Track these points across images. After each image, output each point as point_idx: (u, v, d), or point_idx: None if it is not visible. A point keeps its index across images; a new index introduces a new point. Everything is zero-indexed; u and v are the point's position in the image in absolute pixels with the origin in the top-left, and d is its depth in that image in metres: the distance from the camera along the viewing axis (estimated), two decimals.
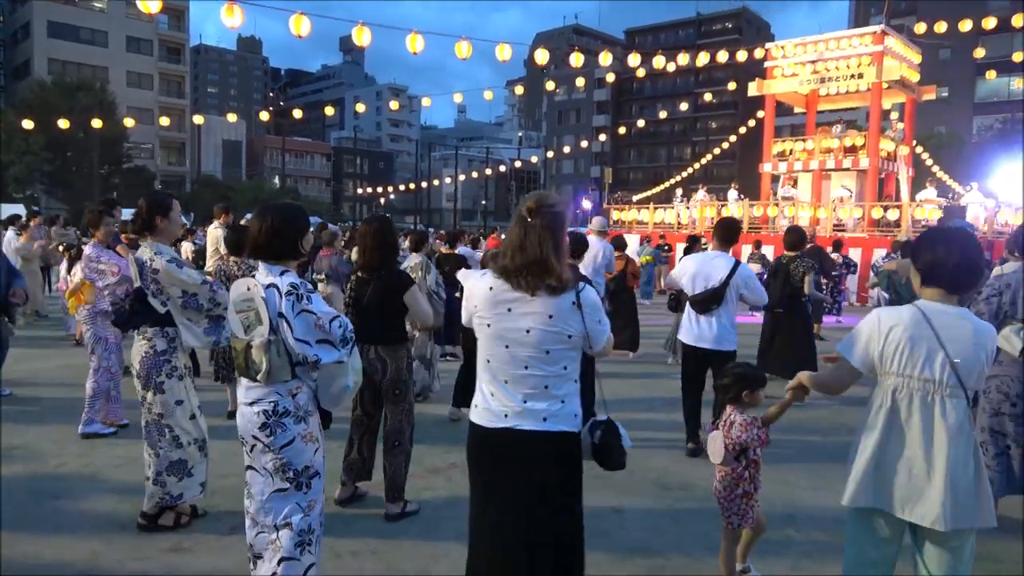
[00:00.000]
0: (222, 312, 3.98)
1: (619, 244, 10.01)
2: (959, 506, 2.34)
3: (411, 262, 6.92)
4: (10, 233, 13.54)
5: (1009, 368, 4.19)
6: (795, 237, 7.25)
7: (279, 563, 2.84)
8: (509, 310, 2.33)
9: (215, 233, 9.31)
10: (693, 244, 9.91)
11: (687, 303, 5.50)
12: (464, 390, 6.45)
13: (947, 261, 2.43)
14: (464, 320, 2.53)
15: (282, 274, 2.84)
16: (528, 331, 2.31)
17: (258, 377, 2.79)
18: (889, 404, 2.48)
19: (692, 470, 5.09)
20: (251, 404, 2.86)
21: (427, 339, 6.94)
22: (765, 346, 7.69)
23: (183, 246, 11.83)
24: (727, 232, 5.64)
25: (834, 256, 13.03)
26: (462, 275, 2.82)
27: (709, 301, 5.27)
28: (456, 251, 9.34)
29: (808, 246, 11.72)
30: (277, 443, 2.82)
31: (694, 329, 5.41)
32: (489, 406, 2.41)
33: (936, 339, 2.38)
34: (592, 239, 7.73)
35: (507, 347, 2.35)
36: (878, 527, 2.51)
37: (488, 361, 2.41)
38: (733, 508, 3.25)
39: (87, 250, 5.53)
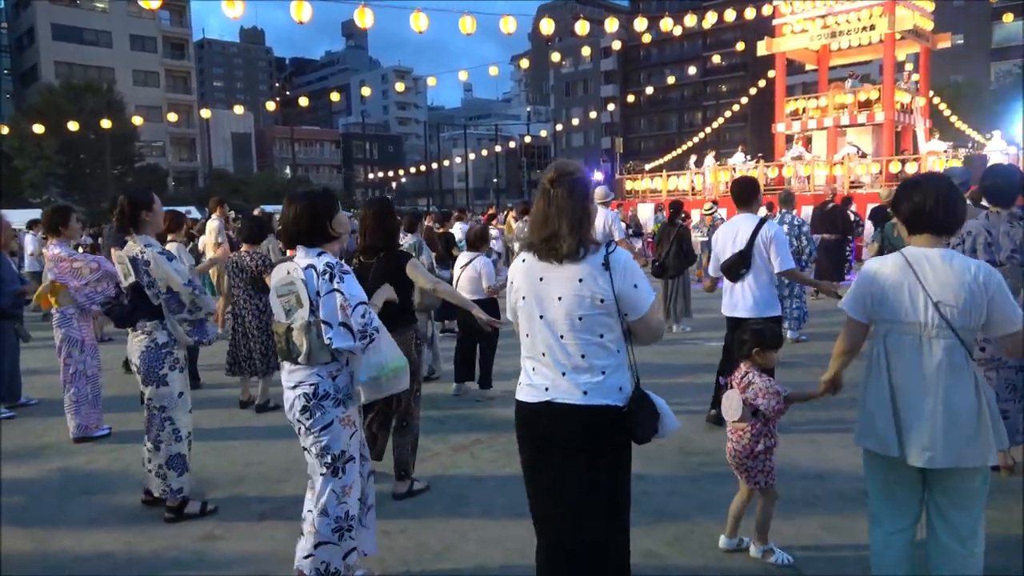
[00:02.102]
0: (202, 316, 4.03)
1: None
2: (952, 445, 2.38)
3: (404, 243, 6.96)
4: (30, 236, 13.68)
5: None
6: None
7: (316, 547, 2.88)
8: (541, 279, 2.35)
9: (213, 225, 9.55)
10: (677, 210, 9.61)
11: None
12: (463, 365, 6.53)
13: (924, 205, 2.47)
14: (509, 313, 2.53)
15: (319, 255, 2.89)
16: (560, 298, 2.30)
17: (299, 359, 2.84)
18: (882, 349, 2.54)
19: (714, 436, 5.07)
20: (293, 387, 2.90)
21: (426, 318, 6.98)
22: None
23: (201, 240, 11.86)
24: (743, 191, 5.25)
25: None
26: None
27: (737, 265, 5.00)
28: (448, 230, 9.36)
29: (830, 206, 11.53)
30: (317, 425, 2.87)
31: (732, 299, 5.15)
32: (531, 381, 2.39)
33: (919, 283, 2.43)
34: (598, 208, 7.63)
35: (542, 317, 2.34)
36: (890, 465, 2.56)
37: (527, 336, 2.41)
38: (757, 466, 3.22)
39: (55, 250, 5.36)
